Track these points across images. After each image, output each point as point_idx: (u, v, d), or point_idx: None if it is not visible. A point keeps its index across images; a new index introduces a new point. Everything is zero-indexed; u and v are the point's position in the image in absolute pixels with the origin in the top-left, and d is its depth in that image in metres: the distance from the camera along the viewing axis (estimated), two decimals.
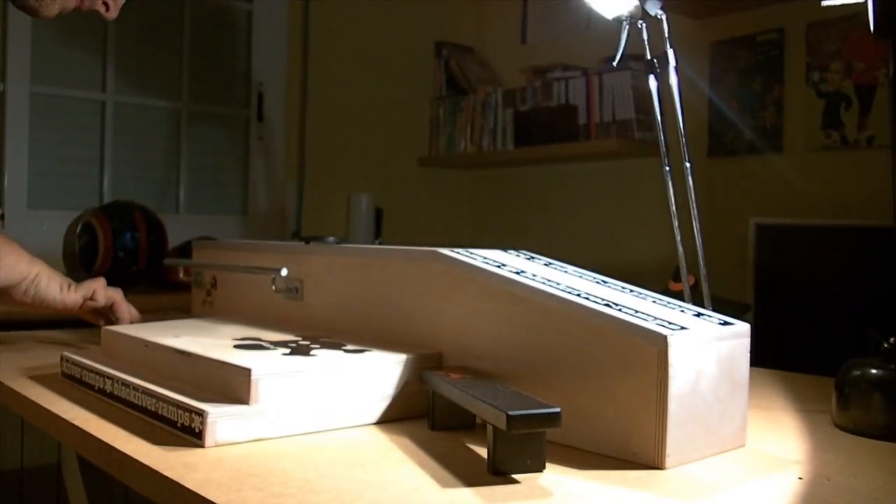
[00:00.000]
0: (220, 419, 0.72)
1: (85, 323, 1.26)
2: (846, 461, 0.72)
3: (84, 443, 0.78)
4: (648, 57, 1.14)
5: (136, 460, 0.68)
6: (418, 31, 3.38)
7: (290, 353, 0.84)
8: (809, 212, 2.39)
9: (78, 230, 2.22)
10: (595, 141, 2.82)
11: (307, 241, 1.13)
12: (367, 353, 0.85)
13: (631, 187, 2.91)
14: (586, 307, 0.74)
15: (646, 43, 1.15)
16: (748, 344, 0.77)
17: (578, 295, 0.77)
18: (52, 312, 1.22)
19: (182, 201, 2.92)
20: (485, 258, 0.88)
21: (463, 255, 0.89)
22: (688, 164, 1.12)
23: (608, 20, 1.15)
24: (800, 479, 0.67)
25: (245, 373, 0.75)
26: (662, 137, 1.16)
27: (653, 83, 1.14)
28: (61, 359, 0.99)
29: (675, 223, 1.13)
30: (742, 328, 0.76)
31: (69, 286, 1.20)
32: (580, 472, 0.67)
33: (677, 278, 1.23)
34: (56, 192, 2.66)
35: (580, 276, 0.87)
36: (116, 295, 1.22)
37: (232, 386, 0.76)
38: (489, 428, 0.65)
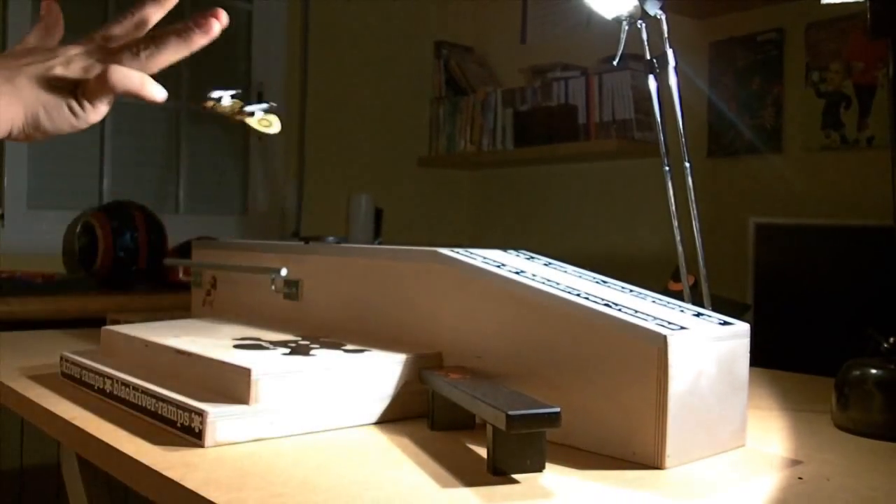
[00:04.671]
0: (220, 419, 0.72)
1: (85, 323, 1.26)
2: (846, 461, 0.72)
3: (84, 443, 0.78)
4: (648, 57, 1.14)
5: (136, 460, 0.68)
6: (418, 31, 3.38)
7: (290, 353, 0.84)
8: (809, 212, 2.39)
9: (78, 230, 2.22)
10: (595, 141, 2.81)
11: (307, 240, 1.13)
12: (366, 353, 0.85)
13: (631, 187, 2.91)
14: (586, 307, 0.74)
15: (645, 43, 1.14)
16: (748, 344, 0.77)
17: (578, 295, 0.77)
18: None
19: (181, 201, 2.92)
20: (485, 258, 0.88)
21: (463, 255, 0.89)
22: (687, 165, 1.12)
23: (608, 20, 1.15)
24: (800, 479, 0.67)
25: (245, 373, 0.75)
26: (662, 137, 1.16)
27: (652, 83, 1.14)
28: (61, 359, 0.99)
29: (675, 223, 1.13)
30: (742, 328, 0.76)
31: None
32: (580, 472, 0.67)
33: (677, 278, 1.23)
34: (56, 192, 2.66)
35: (580, 276, 0.87)
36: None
37: (232, 386, 0.76)
38: (489, 428, 0.65)
